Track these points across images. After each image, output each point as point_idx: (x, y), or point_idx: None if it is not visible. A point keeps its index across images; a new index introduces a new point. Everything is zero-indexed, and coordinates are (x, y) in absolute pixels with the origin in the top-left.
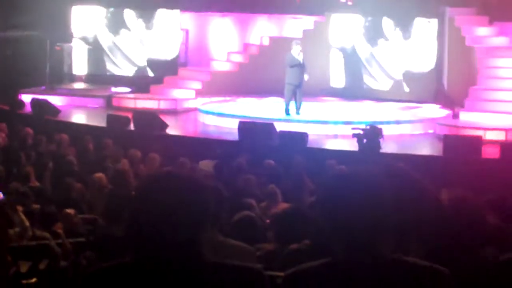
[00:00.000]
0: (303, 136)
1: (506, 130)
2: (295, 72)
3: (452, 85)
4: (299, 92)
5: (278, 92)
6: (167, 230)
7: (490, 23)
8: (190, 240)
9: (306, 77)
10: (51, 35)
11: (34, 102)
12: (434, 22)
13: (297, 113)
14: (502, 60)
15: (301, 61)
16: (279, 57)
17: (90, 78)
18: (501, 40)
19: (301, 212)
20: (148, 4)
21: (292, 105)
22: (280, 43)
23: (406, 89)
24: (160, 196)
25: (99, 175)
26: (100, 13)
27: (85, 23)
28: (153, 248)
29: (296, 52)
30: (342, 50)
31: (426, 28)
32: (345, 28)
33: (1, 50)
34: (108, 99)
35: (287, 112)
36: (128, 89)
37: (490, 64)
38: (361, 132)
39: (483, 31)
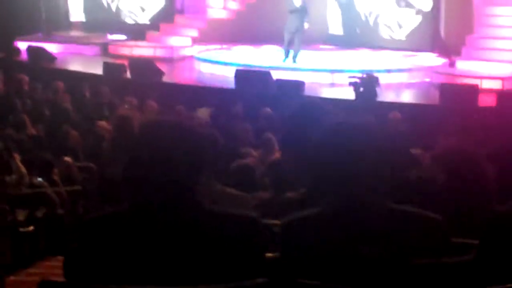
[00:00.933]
0: (299, 85)
1: (503, 79)
2: (293, 18)
3: (449, 33)
4: (297, 39)
5: (275, 40)
6: (163, 177)
7: None
8: (187, 187)
9: (306, 25)
10: None
11: (30, 49)
12: None
13: (294, 61)
14: (499, 8)
15: (299, 7)
16: (276, 5)
17: (86, 25)
18: None
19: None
20: None
21: (291, 52)
22: None
23: (402, 38)
24: (157, 142)
25: (102, 122)
26: None
27: None
28: (149, 194)
29: None
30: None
31: None
32: None
33: None
34: (105, 47)
35: (284, 58)
36: (124, 37)
37: (488, 12)
38: (358, 80)
39: None
